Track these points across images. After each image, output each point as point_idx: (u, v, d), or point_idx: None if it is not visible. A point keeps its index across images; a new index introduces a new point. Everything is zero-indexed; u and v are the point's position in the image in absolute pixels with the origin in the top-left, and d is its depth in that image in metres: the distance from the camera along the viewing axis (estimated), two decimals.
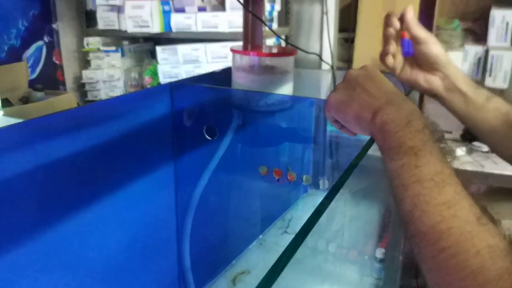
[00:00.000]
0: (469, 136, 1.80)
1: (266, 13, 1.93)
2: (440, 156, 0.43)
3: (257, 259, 1.01)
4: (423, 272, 0.40)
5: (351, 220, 0.91)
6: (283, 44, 1.96)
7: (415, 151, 0.43)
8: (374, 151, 0.53)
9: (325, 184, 0.86)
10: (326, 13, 1.96)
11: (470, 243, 0.37)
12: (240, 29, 1.04)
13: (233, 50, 0.84)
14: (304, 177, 0.91)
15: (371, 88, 0.52)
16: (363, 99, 0.52)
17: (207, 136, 0.85)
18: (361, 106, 0.51)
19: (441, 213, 0.39)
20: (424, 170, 0.42)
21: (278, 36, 1.10)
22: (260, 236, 1.08)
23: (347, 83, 0.55)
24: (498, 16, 1.65)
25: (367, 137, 0.54)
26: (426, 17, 0.88)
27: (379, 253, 1.04)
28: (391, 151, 0.45)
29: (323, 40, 2.07)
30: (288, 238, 1.06)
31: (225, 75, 0.89)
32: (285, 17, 2.10)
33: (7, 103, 1.80)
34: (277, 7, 2.02)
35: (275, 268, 0.31)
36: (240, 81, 0.84)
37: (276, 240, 1.07)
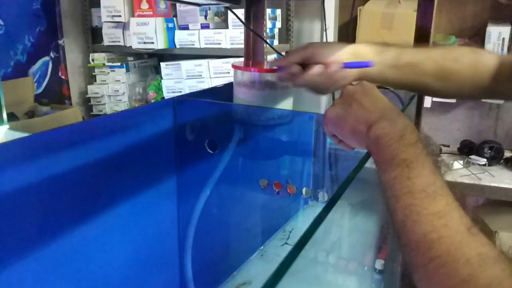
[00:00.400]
0: (466, 150, 1.82)
1: (268, 30, 1.97)
2: (433, 168, 0.44)
3: (258, 270, 1.02)
4: (415, 281, 0.41)
5: (350, 231, 0.92)
6: None
7: (407, 163, 0.44)
8: (372, 164, 0.55)
9: (324, 196, 0.88)
10: (326, 30, 2.00)
11: (460, 252, 0.37)
12: (242, 45, 1.06)
13: (234, 66, 0.86)
14: (304, 190, 0.93)
15: (367, 103, 0.54)
16: (359, 114, 0.53)
17: (208, 150, 0.86)
18: (357, 120, 0.53)
19: (432, 223, 0.40)
20: (416, 182, 0.43)
21: (279, 53, 1.13)
22: (261, 248, 1.09)
23: (345, 99, 0.57)
24: (494, 32, 1.69)
25: (364, 151, 0.55)
26: (423, 34, 0.91)
27: (379, 264, 1.05)
28: (384, 164, 0.47)
29: None
30: (289, 250, 1.07)
31: (227, 90, 0.91)
32: (286, 34, 2.14)
33: (13, 117, 1.82)
34: (278, 24, 2.06)
35: (274, 278, 0.31)
36: (242, 96, 0.86)
37: (277, 251, 1.07)
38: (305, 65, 0.71)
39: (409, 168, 0.44)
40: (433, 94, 0.78)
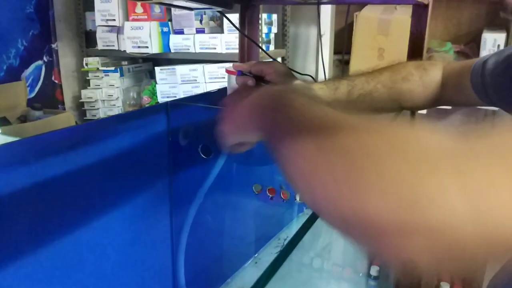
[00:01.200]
0: None
1: (263, 35, 1.97)
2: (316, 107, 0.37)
3: (252, 277, 1.01)
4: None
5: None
6: None
7: (279, 108, 0.39)
8: None
9: None
10: (322, 36, 2.00)
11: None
12: (237, 50, 1.06)
13: (228, 71, 0.86)
14: (298, 196, 0.92)
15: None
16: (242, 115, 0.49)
17: (202, 155, 0.86)
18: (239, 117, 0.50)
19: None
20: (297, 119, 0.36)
21: (273, 58, 1.12)
22: (255, 255, 1.08)
23: None
24: (490, 39, 1.69)
25: None
26: (417, 40, 0.90)
27: (374, 270, 1.04)
28: (267, 132, 0.41)
29: (319, 62, 2.11)
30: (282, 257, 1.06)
31: (220, 95, 0.91)
32: (282, 39, 2.14)
33: (5, 121, 1.81)
34: (274, 29, 2.06)
35: (260, 282, 0.31)
36: None
37: (271, 259, 1.06)
38: (259, 79, 0.75)
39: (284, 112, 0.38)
40: (390, 112, 0.80)
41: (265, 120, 0.42)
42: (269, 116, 0.41)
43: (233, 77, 0.86)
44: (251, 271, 1.03)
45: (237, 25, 1.03)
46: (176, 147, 0.85)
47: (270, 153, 0.38)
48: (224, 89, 0.90)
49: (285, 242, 1.13)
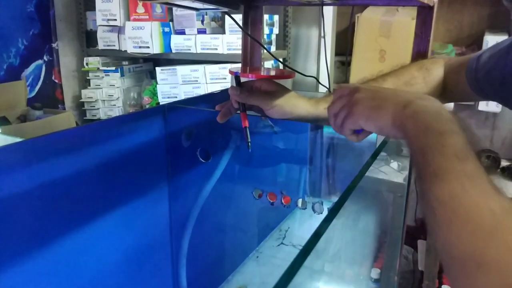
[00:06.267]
0: None
1: (265, 36, 1.96)
2: (466, 143, 0.44)
3: (253, 273, 1.00)
4: (436, 241, 0.40)
5: (346, 240, 0.91)
6: (281, 66, 1.99)
7: (440, 131, 0.44)
8: (370, 172, 0.54)
9: (320, 208, 0.87)
10: (324, 37, 1.99)
11: (486, 205, 0.37)
12: (239, 51, 1.05)
13: (231, 72, 0.85)
14: (300, 201, 0.92)
15: (385, 90, 0.54)
16: (389, 95, 0.54)
17: (200, 159, 0.85)
18: (388, 100, 0.53)
19: (463, 184, 0.39)
20: (449, 149, 0.43)
21: (276, 59, 1.12)
22: (257, 248, 1.07)
23: (353, 94, 0.56)
24: (491, 41, 1.69)
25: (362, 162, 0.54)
26: (421, 43, 0.90)
27: (375, 273, 1.04)
28: (419, 131, 0.47)
29: (320, 63, 2.10)
30: (284, 249, 1.05)
31: (223, 96, 0.90)
32: (283, 40, 2.13)
33: (5, 121, 1.80)
34: (276, 30, 2.06)
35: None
36: None
37: (272, 252, 1.06)
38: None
39: (444, 137, 0.44)
40: None
41: (419, 135, 0.46)
42: (428, 136, 0.45)
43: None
44: (252, 266, 1.03)
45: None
46: (174, 150, 0.84)
47: (412, 159, 0.46)
48: (227, 90, 0.90)
49: (286, 234, 1.12)
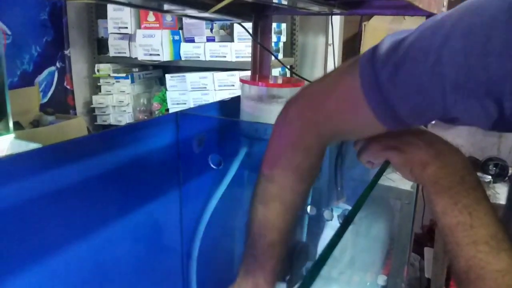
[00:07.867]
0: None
1: (272, 44, 1.98)
2: (494, 218, 0.43)
3: None
4: None
5: (353, 247, 0.91)
6: (288, 74, 2.01)
7: (469, 210, 0.43)
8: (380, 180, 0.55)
9: (331, 215, 0.87)
10: (331, 44, 2.01)
11: None
12: (247, 59, 1.07)
13: (242, 80, 0.87)
14: (309, 208, 0.93)
15: (421, 139, 0.50)
16: (411, 150, 0.49)
17: (212, 165, 0.87)
18: (409, 158, 0.49)
19: (497, 281, 0.40)
20: (479, 232, 0.42)
21: (284, 66, 1.14)
22: None
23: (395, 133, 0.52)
24: None
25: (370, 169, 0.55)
26: None
27: (381, 280, 1.04)
28: (445, 207, 0.45)
29: (327, 70, 2.12)
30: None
31: (234, 103, 0.92)
32: (290, 47, 2.15)
33: (18, 126, 1.83)
34: (283, 38, 2.08)
35: None
36: (249, 110, 0.86)
37: None
38: None
39: (472, 216, 0.43)
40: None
41: (438, 191, 0.46)
42: (453, 190, 0.45)
43: (247, 86, 0.87)
44: None
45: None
46: (186, 157, 0.85)
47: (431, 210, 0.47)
48: (238, 97, 0.91)
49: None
